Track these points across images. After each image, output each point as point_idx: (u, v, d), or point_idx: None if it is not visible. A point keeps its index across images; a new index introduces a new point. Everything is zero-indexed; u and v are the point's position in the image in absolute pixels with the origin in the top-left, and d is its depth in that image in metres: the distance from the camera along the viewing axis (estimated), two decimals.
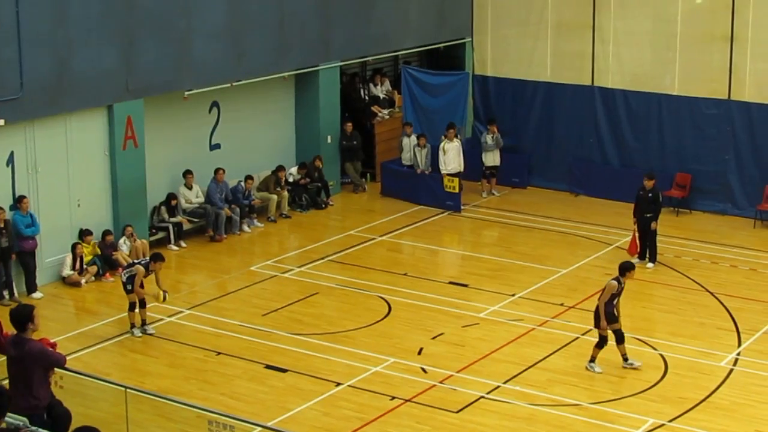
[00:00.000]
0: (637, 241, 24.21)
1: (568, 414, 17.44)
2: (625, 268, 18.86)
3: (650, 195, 24.10)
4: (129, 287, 19.86)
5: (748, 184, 27.49)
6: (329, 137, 28.56)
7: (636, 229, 24.24)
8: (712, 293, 22.64)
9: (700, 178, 27.99)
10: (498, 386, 18.31)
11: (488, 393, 18.09)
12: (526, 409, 17.57)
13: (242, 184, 26.25)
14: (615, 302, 18.66)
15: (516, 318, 21.20)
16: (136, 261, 20.81)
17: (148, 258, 20.86)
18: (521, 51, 30.38)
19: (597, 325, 18.67)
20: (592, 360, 18.78)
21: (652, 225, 24.06)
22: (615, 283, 18.62)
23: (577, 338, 20.20)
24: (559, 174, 29.53)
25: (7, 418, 10.11)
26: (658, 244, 24.60)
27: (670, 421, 17.26)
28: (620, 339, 18.78)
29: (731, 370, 19.16)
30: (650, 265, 23.95)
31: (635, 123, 28.83)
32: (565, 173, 29.44)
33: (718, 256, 24.95)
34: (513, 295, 22.37)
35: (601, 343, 18.70)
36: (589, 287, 22.55)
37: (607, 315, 18.50)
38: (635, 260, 23.34)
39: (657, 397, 18.05)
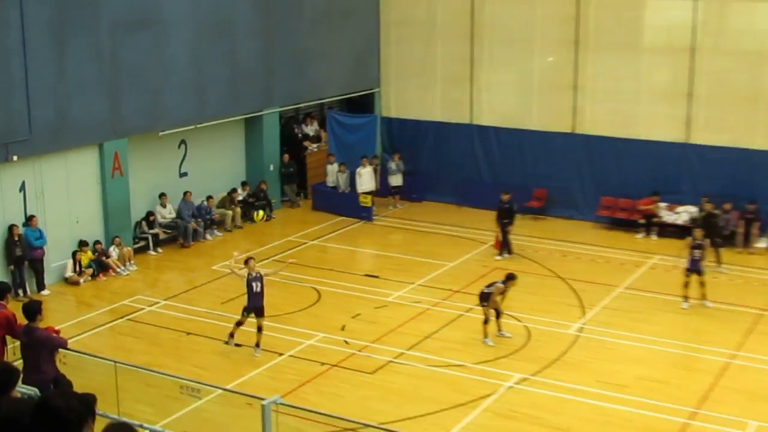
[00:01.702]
0: (499, 241, 24.52)
1: (456, 372, 17.58)
2: (509, 278, 19.13)
3: (507, 206, 24.43)
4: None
5: (587, 195, 27.87)
6: (272, 165, 28.48)
7: (498, 232, 24.50)
8: (562, 278, 22.91)
9: (553, 192, 28.31)
10: (402, 353, 18.39)
11: (395, 358, 18.17)
12: (424, 370, 17.68)
13: (205, 202, 26.11)
14: (499, 298, 18.92)
15: (415, 301, 21.29)
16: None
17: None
18: (417, 98, 30.53)
19: (483, 304, 18.93)
20: (486, 335, 18.90)
21: (509, 228, 24.39)
22: (502, 286, 18.94)
23: (462, 315, 20.34)
24: (447, 191, 29.61)
25: (21, 389, 9.98)
26: (523, 244, 24.89)
27: (533, 375, 17.48)
28: (498, 315, 19.02)
29: (578, 336, 19.42)
30: (506, 255, 24.28)
31: (504, 151, 29.09)
32: (452, 190, 29.54)
33: (567, 250, 25.25)
34: (413, 283, 22.44)
35: (487, 321, 18.90)
36: (471, 276, 22.71)
37: (491, 303, 18.77)
38: (497, 257, 23.94)
39: (523, 358, 18.25)
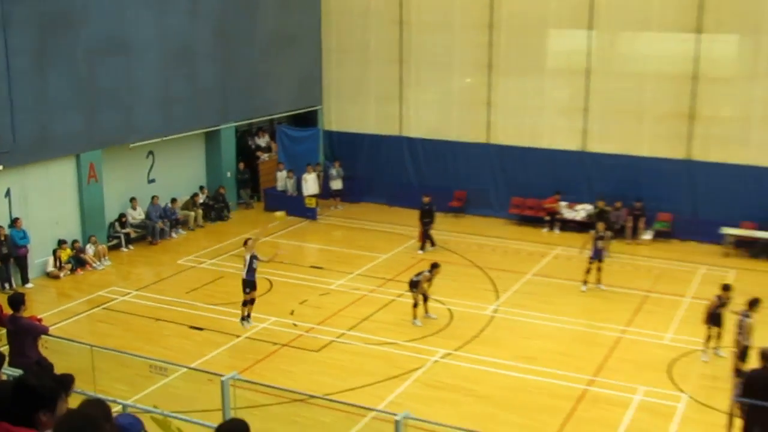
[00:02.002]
0: (421, 236, 24.51)
1: (390, 349, 17.51)
2: (434, 267, 19.10)
3: (428, 207, 24.43)
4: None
5: (500, 196, 28.03)
6: (229, 173, 28.12)
7: (420, 229, 24.47)
8: (479, 267, 22.98)
9: (471, 193, 28.42)
10: (344, 333, 18.29)
11: (338, 338, 18.06)
12: (363, 348, 17.59)
13: (170, 205, 25.71)
14: (426, 285, 18.93)
15: (354, 288, 21.18)
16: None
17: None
18: (354, 113, 30.40)
19: (412, 290, 18.91)
20: (415, 317, 18.88)
21: (431, 226, 24.38)
22: (428, 274, 18.93)
23: (394, 300, 20.28)
24: (381, 193, 29.55)
25: (7, 371, 9.69)
26: (446, 238, 24.92)
27: (455, 350, 17.49)
28: (426, 299, 19.01)
29: (493, 317, 19.48)
30: (430, 248, 24.22)
31: (429, 158, 29.12)
32: (385, 192, 29.48)
33: (483, 243, 25.34)
34: (352, 273, 22.32)
35: (416, 305, 18.89)
36: (401, 266, 22.68)
37: (420, 289, 18.79)
38: (419, 251, 23.90)
39: (446, 336, 18.26)
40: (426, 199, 24.63)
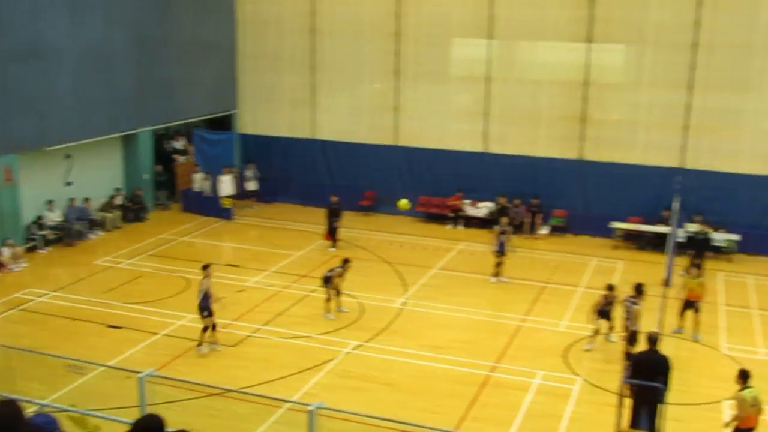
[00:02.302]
0: (328, 234, 24.34)
1: (304, 342, 17.35)
2: (346, 262, 19.01)
3: (336, 206, 24.32)
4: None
5: (408, 195, 27.71)
6: (146, 175, 27.46)
7: (327, 227, 24.32)
8: (389, 262, 23.00)
9: (380, 193, 28.45)
10: (259, 328, 18.05)
11: (253, 333, 17.81)
12: (277, 342, 17.38)
13: (87, 207, 24.98)
14: (338, 280, 18.82)
15: (269, 285, 20.94)
16: None
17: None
18: (269, 117, 30.04)
19: (325, 285, 18.78)
20: (327, 311, 18.76)
21: (338, 224, 24.31)
22: (340, 269, 18.86)
23: (308, 295, 20.12)
24: (295, 193, 29.33)
25: None
26: (357, 235, 24.86)
27: (366, 342, 17.43)
28: (338, 294, 18.91)
29: (402, 309, 19.52)
30: (336, 246, 24.07)
31: (340, 160, 29.02)
32: (298, 193, 29.27)
33: (392, 240, 25.39)
34: (267, 270, 22.07)
35: (329, 299, 18.76)
36: (314, 263, 22.54)
37: (332, 285, 18.65)
38: (331, 248, 23.81)
39: (358, 328, 18.19)
40: (334, 199, 24.51)
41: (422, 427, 11.98)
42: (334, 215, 24.30)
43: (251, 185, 29.00)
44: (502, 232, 21.42)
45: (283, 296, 20.15)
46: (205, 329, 16.83)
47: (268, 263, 22.66)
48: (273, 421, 13.61)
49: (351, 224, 26.14)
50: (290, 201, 29.32)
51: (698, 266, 18.61)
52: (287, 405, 13.67)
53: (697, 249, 22.32)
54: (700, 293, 18.04)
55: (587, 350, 17.20)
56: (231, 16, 29.70)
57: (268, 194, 29.34)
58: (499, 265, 21.44)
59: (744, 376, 12.62)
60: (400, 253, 24.07)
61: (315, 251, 23.94)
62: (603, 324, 17.37)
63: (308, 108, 29.31)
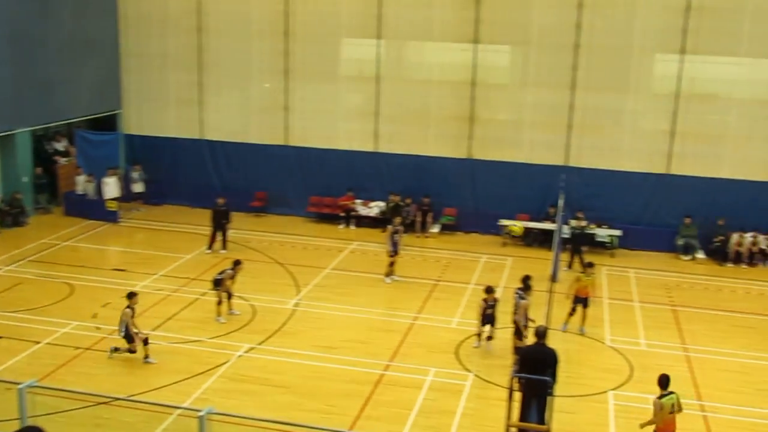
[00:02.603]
0: (213, 237, 23.92)
1: (195, 347, 17.05)
2: (237, 264, 18.82)
3: (223, 208, 23.93)
4: None
5: (299, 195, 28.06)
6: (25, 178, 26.41)
7: (212, 230, 23.86)
8: (281, 263, 22.85)
9: (271, 193, 28.27)
10: (149, 333, 17.51)
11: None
12: (168, 347, 16.98)
13: None
14: (230, 282, 18.60)
15: (158, 289, 20.46)
16: None
17: None
18: (155, 117, 29.33)
19: (216, 288, 18.52)
20: (219, 314, 18.51)
21: (228, 226, 23.91)
22: (231, 271, 18.63)
23: (198, 298, 19.79)
24: (183, 195, 28.73)
25: None
26: (248, 236, 24.59)
27: (259, 344, 17.28)
28: (229, 297, 18.68)
29: (295, 310, 19.42)
30: (209, 251, 23.64)
31: (230, 161, 28.64)
32: (187, 194, 28.67)
33: (284, 240, 25.24)
34: (156, 274, 21.56)
35: (220, 302, 18.52)
36: (204, 265, 22.18)
37: (223, 287, 18.47)
38: (207, 251, 23.42)
39: (250, 331, 18.01)
40: (221, 201, 24.14)
41: (315, 428, 11.95)
42: (223, 217, 23.92)
43: (137, 187, 28.32)
44: (395, 232, 21.58)
45: (173, 300, 19.74)
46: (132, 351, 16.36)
47: (156, 267, 22.14)
48: (163, 429, 13.29)
49: (242, 225, 25.82)
50: (179, 203, 28.75)
51: (591, 265, 18.96)
52: (178, 411, 13.38)
53: (574, 244, 23.22)
54: (591, 290, 18.61)
55: (476, 347, 17.49)
56: (113, 13, 28.86)
57: (155, 196, 28.69)
58: (392, 264, 21.60)
59: (664, 383, 12.49)
60: (292, 253, 23.94)
61: (205, 253, 23.54)
62: (487, 329, 17.44)
63: (196, 108, 28.79)
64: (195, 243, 24.39)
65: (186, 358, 16.44)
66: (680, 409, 12.45)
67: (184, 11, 28.35)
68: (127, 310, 16.34)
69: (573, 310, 18.44)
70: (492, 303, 17.23)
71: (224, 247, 23.83)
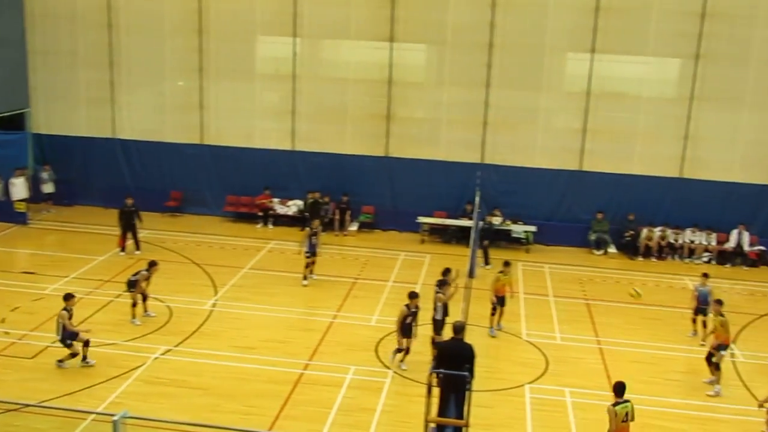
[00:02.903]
0: (123, 238, 23.49)
1: (110, 350, 16.69)
2: (152, 265, 18.46)
3: (133, 208, 23.40)
4: None
5: (216, 195, 27.77)
6: None
7: (121, 231, 23.46)
8: (197, 264, 22.56)
9: (187, 193, 27.89)
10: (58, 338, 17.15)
11: (53, 343, 16.75)
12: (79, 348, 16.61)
13: None
14: (145, 284, 18.30)
15: (71, 291, 19.93)
16: None
17: None
18: (65, 116, 28.50)
19: (131, 290, 18.17)
20: (134, 316, 18.19)
21: (139, 226, 23.55)
22: (146, 273, 18.36)
23: (112, 301, 19.38)
24: (96, 196, 28.08)
25: None
26: (163, 237, 24.21)
27: (175, 346, 17.05)
28: (145, 298, 18.37)
29: (212, 311, 19.21)
30: (122, 253, 23.22)
31: (143, 160, 28.09)
32: (100, 195, 28.03)
33: (201, 240, 24.92)
34: (67, 276, 21.02)
35: (135, 304, 18.21)
36: (118, 267, 21.75)
37: (138, 289, 18.19)
38: (121, 253, 23.02)
39: (167, 332, 17.75)
40: (129, 201, 23.64)
41: (233, 429, 11.88)
42: (132, 218, 23.41)
43: (47, 188, 27.55)
44: (313, 234, 21.44)
45: (86, 303, 19.24)
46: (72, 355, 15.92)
47: (68, 269, 21.57)
48: None
49: (157, 226, 25.39)
50: (91, 203, 28.09)
51: (508, 263, 19.06)
52: (92, 417, 13.10)
53: (482, 239, 23.63)
54: (509, 288, 18.85)
55: (392, 360, 16.70)
56: (19, 9, 27.97)
57: (66, 197, 27.97)
58: (308, 266, 21.43)
59: (619, 390, 12.35)
60: (209, 253, 23.65)
61: (118, 255, 23.06)
62: (405, 342, 16.43)
63: (108, 106, 28.14)
64: (108, 244, 23.85)
65: (100, 362, 16.07)
66: (633, 418, 12.38)
67: (93, 7, 27.68)
68: (63, 312, 15.90)
69: (494, 310, 18.65)
70: (414, 310, 16.33)
71: (138, 247, 23.37)
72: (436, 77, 26.75)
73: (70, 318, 15.96)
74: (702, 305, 18.70)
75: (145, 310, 18.45)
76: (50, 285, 20.31)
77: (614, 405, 12.28)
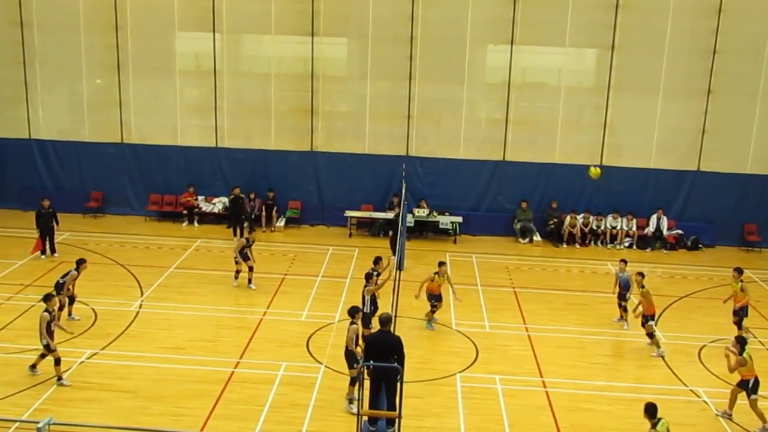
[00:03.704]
0: (40, 241, 22.75)
1: (34, 357, 16.17)
2: (80, 263, 18.00)
3: (50, 210, 22.76)
4: None
5: (138, 194, 27.28)
6: None
7: (39, 233, 22.70)
8: (122, 265, 22.11)
9: (109, 193, 27.33)
10: None
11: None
12: (3, 358, 16.08)
13: None
14: (72, 285, 17.89)
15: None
16: None
17: None
18: None
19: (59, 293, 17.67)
20: (70, 314, 17.95)
21: (56, 229, 22.92)
22: (75, 273, 17.90)
23: (34, 305, 18.77)
24: (12, 198, 27.27)
25: None
26: (86, 238, 23.67)
27: (101, 349, 16.70)
28: (72, 301, 17.98)
29: (138, 312, 18.87)
30: (55, 255, 22.61)
31: (62, 161, 27.37)
32: (17, 198, 27.19)
33: (124, 241, 24.42)
34: None
35: (71, 302, 17.91)
36: (41, 270, 21.22)
37: (66, 291, 17.78)
38: (42, 256, 22.46)
39: (92, 336, 17.38)
40: (45, 203, 22.98)
41: None
42: (49, 221, 22.76)
43: None
44: (248, 246, 20.84)
45: (6, 309, 18.69)
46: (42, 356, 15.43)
47: None
48: None
49: (78, 227, 24.82)
50: (7, 206, 27.28)
51: (442, 263, 19.02)
52: (15, 425, 12.73)
53: (388, 229, 23.84)
54: (454, 292, 18.87)
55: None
56: None
57: None
58: (239, 272, 20.86)
59: (651, 412, 12.19)
60: (133, 254, 23.21)
61: (38, 258, 22.44)
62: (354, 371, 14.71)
63: (22, 106, 27.32)
64: (27, 248, 23.15)
65: (22, 369, 15.60)
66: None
67: (2, 3, 26.82)
68: (45, 314, 15.29)
69: (433, 307, 18.62)
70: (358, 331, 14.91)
71: (54, 251, 22.74)
72: (359, 71, 26.75)
73: (51, 320, 15.32)
74: (623, 291, 19.19)
75: (70, 314, 18.01)
76: None
77: (653, 427, 12.09)
